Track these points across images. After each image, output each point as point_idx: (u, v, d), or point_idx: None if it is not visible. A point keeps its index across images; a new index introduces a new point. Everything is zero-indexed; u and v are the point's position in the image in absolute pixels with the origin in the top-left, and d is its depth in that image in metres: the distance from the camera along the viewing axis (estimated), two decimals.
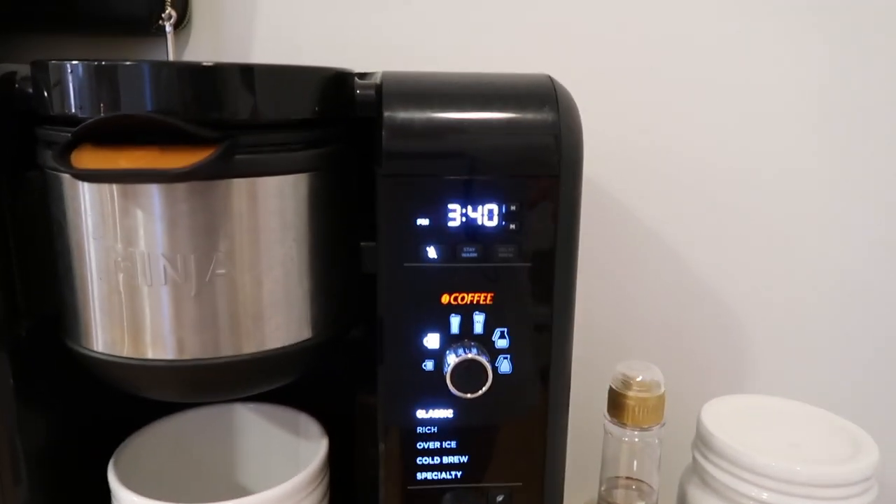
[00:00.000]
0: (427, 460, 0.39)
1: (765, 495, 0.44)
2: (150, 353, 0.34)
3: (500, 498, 0.39)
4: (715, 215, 0.59)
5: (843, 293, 0.61)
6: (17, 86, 0.35)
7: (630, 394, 0.42)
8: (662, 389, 0.43)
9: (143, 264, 0.33)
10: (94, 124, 0.28)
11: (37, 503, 0.39)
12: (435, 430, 0.38)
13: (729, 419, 0.49)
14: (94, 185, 0.33)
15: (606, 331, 0.59)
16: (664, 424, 0.43)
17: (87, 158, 0.28)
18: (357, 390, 0.47)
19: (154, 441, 0.44)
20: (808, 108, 0.57)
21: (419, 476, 0.39)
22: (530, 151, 0.35)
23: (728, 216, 0.60)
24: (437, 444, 0.38)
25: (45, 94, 0.33)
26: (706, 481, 0.48)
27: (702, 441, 0.48)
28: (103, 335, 0.35)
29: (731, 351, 0.62)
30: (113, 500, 0.39)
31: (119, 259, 0.33)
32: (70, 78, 0.31)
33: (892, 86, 0.56)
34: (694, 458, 0.49)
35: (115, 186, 0.32)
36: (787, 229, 0.60)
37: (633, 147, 0.58)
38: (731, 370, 0.62)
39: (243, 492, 0.38)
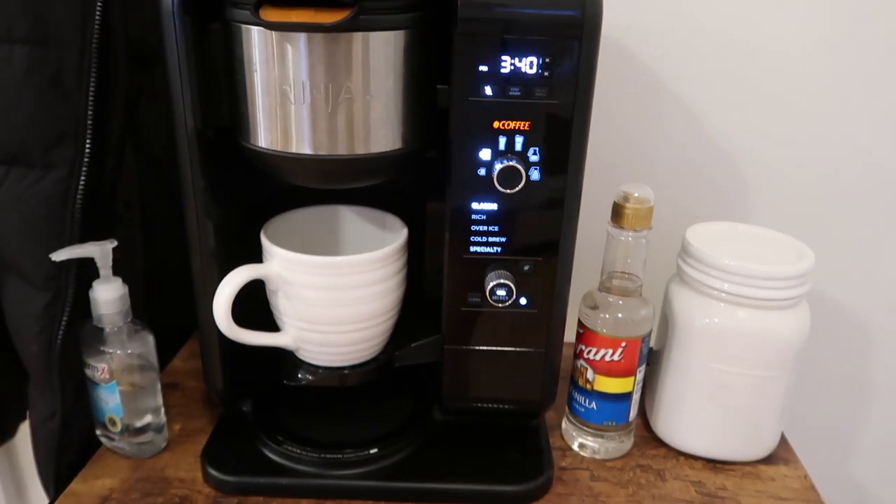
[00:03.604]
0: (478, 238, 0.56)
1: (726, 286, 0.60)
2: (295, 149, 0.51)
3: (526, 267, 0.56)
4: (727, 79, 0.73)
5: (825, 148, 0.75)
6: None
7: (628, 205, 0.58)
8: (652, 203, 0.58)
9: (294, 88, 0.49)
10: None
11: (219, 252, 0.58)
12: (484, 217, 0.55)
13: (708, 237, 0.64)
14: (261, 33, 0.48)
15: (625, 163, 0.76)
16: (651, 229, 0.59)
17: (270, 14, 0.44)
18: (429, 199, 0.64)
19: (289, 223, 0.62)
20: None
21: (472, 249, 0.56)
22: (562, 19, 0.50)
23: (739, 81, 0.73)
24: (485, 228, 0.55)
25: None
26: (684, 280, 0.64)
27: (684, 251, 0.64)
28: (264, 136, 0.52)
29: (726, 190, 0.77)
30: (264, 254, 0.58)
31: (277, 84, 0.49)
32: None
33: None
34: (677, 265, 0.65)
35: (274, 34, 0.48)
36: (790, 95, 0.74)
37: (661, 20, 0.71)
38: (723, 205, 0.78)
39: None
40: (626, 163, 0.76)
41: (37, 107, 0.56)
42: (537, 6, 0.49)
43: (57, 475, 0.64)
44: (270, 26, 0.46)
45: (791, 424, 0.69)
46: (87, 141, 0.58)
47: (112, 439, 0.63)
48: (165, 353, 0.75)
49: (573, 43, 0.50)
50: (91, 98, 0.57)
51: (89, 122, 0.57)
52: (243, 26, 0.49)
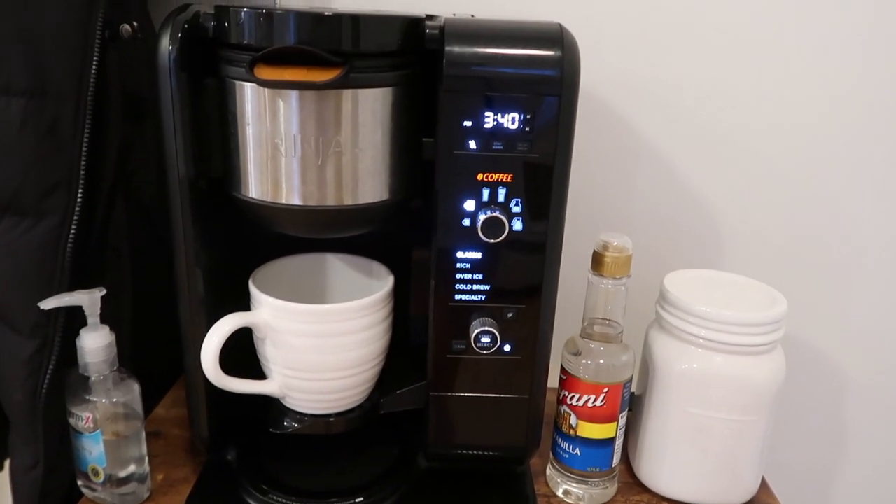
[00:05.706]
0: (462, 287, 0.57)
1: (703, 332, 0.62)
2: (285, 200, 0.53)
3: (510, 314, 0.58)
4: (701, 134, 0.77)
5: (796, 198, 0.78)
6: (201, 21, 0.52)
7: (607, 254, 0.60)
8: (630, 251, 0.60)
9: (286, 142, 0.51)
10: (272, 51, 0.46)
11: (207, 299, 0.59)
12: (469, 265, 0.56)
13: (684, 284, 0.66)
14: (255, 89, 0.50)
15: (604, 214, 0.78)
16: (630, 277, 0.60)
17: (264, 73, 0.46)
18: (414, 247, 0.65)
19: (277, 271, 0.63)
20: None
21: (457, 297, 0.57)
22: (542, 78, 0.52)
23: (712, 135, 0.77)
24: (470, 276, 0.57)
25: (227, 26, 0.50)
26: (663, 326, 0.66)
27: (662, 298, 0.66)
28: (255, 187, 0.53)
29: (701, 239, 0.80)
30: (252, 302, 0.59)
31: (269, 137, 0.51)
32: (244, 18, 0.49)
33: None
34: (656, 312, 0.67)
35: (266, 91, 0.50)
36: (760, 148, 0.77)
37: (638, 77, 0.75)
38: (698, 254, 0.80)
39: None
40: (605, 213, 0.79)
41: (32, 156, 0.57)
42: (518, 65, 0.52)
43: None
44: (265, 84, 0.48)
45: (771, 469, 0.70)
46: (80, 190, 0.59)
47: (94, 490, 0.63)
48: (148, 400, 0.74)
49: (552, 100, 0.52)
50: (85, 148, 0.58)
51: (82, 171, 0.59)
52: (237, 82, 0.51)
